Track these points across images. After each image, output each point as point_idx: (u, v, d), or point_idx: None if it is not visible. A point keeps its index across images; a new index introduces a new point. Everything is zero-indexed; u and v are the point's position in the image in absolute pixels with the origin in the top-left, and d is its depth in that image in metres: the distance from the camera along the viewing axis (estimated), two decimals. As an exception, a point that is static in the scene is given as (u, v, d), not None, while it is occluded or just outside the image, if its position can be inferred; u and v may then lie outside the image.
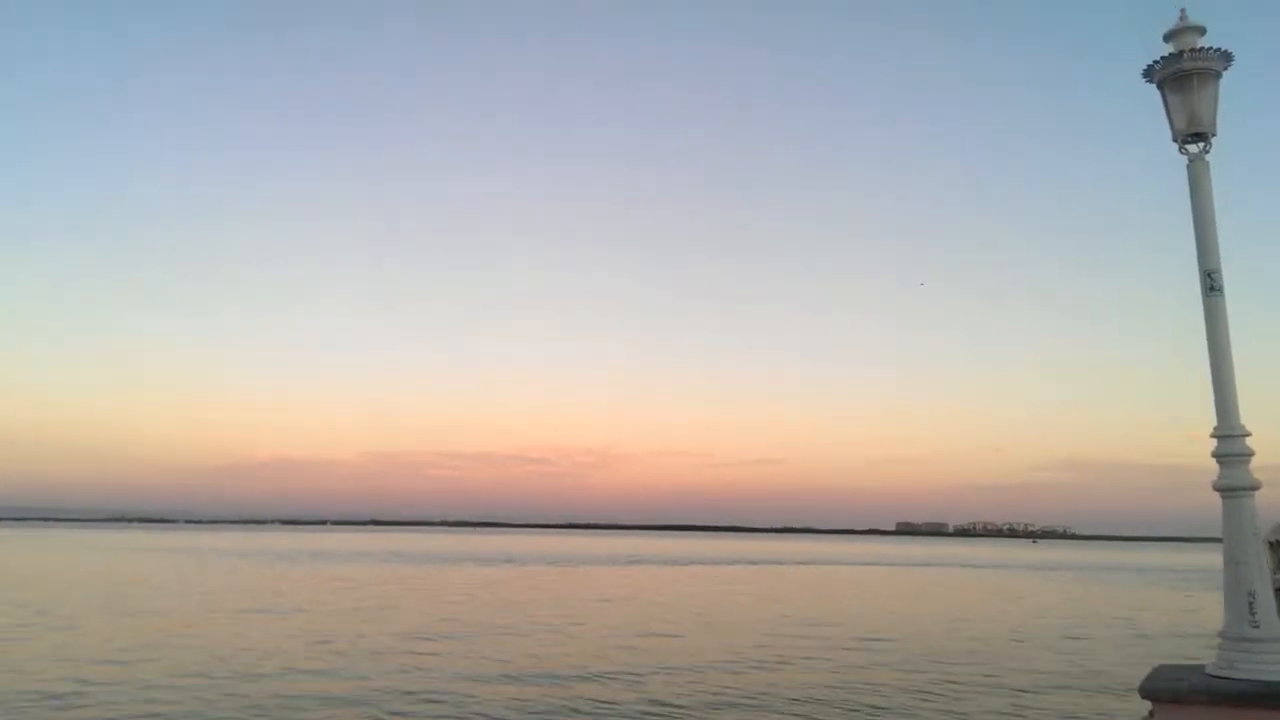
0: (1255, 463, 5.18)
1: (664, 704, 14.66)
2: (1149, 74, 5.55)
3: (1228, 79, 5.48)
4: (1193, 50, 5.36)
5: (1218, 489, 5.19)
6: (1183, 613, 36.32)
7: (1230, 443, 5.16)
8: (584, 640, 22.98)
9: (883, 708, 14.75)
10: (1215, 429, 5.21)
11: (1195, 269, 5.37)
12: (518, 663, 18.80)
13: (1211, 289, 5.27)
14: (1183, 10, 5.43)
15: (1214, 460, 5.21)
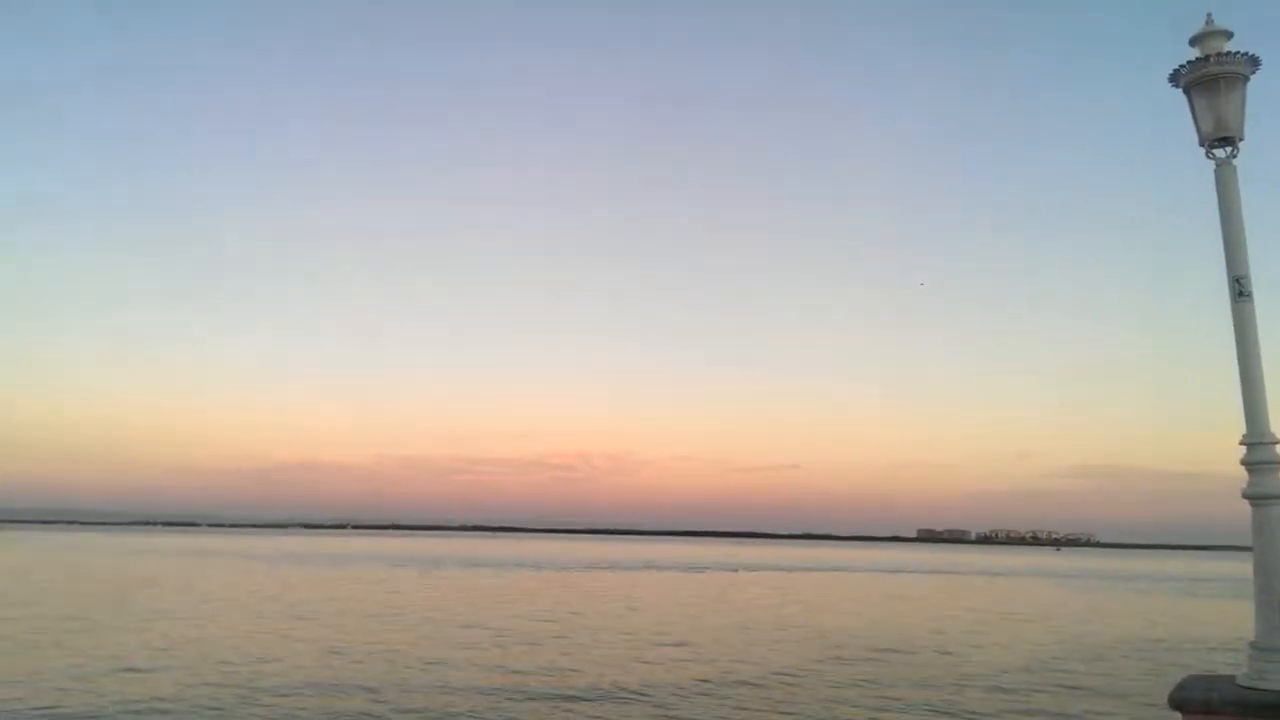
0: (1285, 470, 5.13)
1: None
2: (1174, 78, 5.52)
3: (1253, 83, 5.44)
4: (1219, 54, 5.32)
5: (1247, 497, 5.13)
6: (1211, 622, 35.87)
7: (1260, 450, 5.10)
8: (603, 651, 22.96)
9: None
10: (1244, 436, 5.16)
11: (1219, 272, 5.33)
12: (534, 675, 18.80)
13: (1241, 294, 5.23)
14: (1209, 15, 5.39)
15: (1243, 467, 5.16)
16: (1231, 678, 5.06)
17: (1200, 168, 5.46)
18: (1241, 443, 5.18)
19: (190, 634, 23.51)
